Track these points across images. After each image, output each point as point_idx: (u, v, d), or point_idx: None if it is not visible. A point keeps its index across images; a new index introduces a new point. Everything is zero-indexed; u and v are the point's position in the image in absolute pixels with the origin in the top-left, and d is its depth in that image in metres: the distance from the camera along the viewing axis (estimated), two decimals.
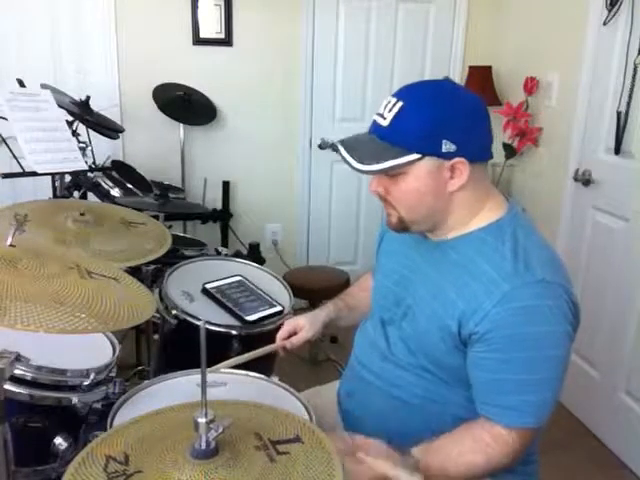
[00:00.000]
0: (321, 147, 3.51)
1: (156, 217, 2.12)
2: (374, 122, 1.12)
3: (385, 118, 1.09)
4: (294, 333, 1.46)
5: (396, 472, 1.06)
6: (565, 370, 1.10)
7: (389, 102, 1.10)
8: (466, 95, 1.13)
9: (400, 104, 1.08)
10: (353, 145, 1.11)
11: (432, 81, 1.17)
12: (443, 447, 1.11)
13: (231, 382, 1.38)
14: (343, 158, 1.09)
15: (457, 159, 1.07)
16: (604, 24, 2.46)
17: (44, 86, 2.39)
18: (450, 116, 1.07)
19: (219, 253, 2.42)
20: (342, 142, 1.12)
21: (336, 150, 1.12)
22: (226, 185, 3.44)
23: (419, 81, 1.15)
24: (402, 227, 1.18)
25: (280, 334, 1.47)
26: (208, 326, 1.54)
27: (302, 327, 1.45)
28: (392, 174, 1.10)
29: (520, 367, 1.06)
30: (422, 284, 1.20)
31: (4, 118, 1.97)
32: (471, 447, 1.10)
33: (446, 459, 1.10)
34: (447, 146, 1.06)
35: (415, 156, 1.06)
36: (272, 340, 1.84)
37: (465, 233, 1.15)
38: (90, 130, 2.64)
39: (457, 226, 1.16)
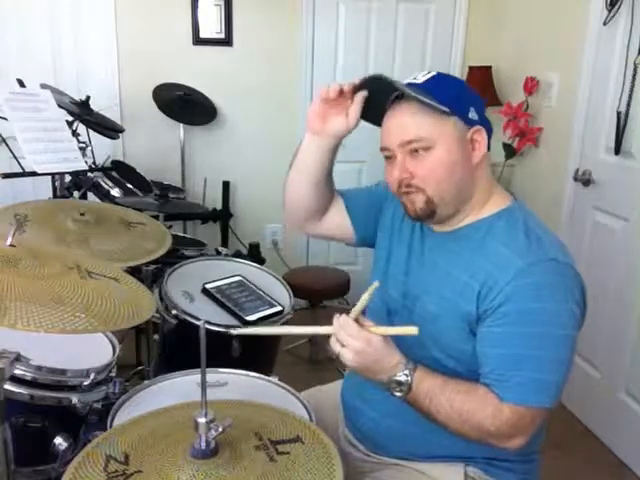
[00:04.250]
0: None
1: (156, 217, 2.13)
2: (408, 82, 1.14)
3: (419, 79, 1.14)
4: None
5: (391, 330, 1.11)
6: (571, 352, 1.09)
7: (420, 73, 1.16)
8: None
9: (433, 73, 1.15)
10: (389, 80, 1.13)
11: None
12: (444, 376, 1.10)
13: (231, 382, 1.38)
14: (390, 82, 1.11)
15: (477, 127, 1.12)
16: (604, 24, 2.46)
17: (44, 86, 2.39)
18: (472, 91, 1.18)
19: (219, 253, 2.42)
20: (385, 76, 1.13)
21: (368, 82, 1.15)
22: (226, 185, 3.44)
23: None
24: (429, 210, 1.15)
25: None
26: (208, 326, 1.54)
27: None
28: (423, 147, 1.10)
29: (526, 342, 1.06)
30: (431, 273, 1.20)
31: (4, 118, 1.98)
32: (467, 392, 1.08)
33: (442, 384, 1.09)
34: (472, 114, 1.12)
35: (446, 109, 1.09)
36: (272, 340, 1.85)
37: (475, 220, 1.17)
38: (90, 130, 2.64)
39: (472, 211, 1.17)
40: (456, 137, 1.11)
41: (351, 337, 1.07)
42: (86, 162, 2.18)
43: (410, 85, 1.13)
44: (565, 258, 1.11)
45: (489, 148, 1.16)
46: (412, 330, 1.06)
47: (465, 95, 1.15)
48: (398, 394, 1.09)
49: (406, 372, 1.08)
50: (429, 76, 1.14)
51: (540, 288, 1.06)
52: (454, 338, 1.15)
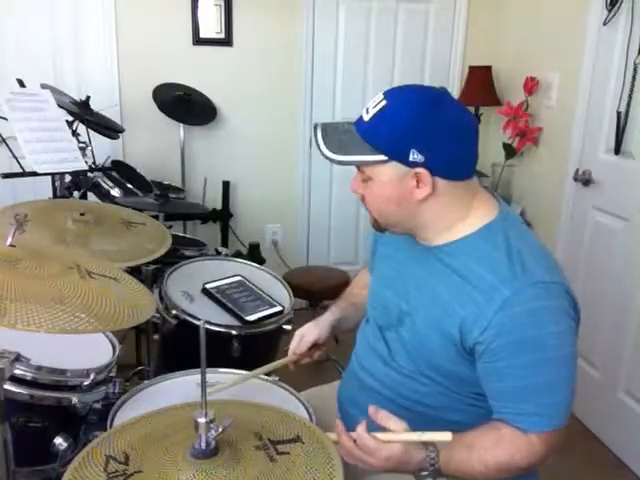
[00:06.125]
0: None
1: (156, 217, 2.13)
2: (361, 115, 1.12)
3: (368, 113, 1.09)
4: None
5: (424, 437, 1.03)
6: (575, 368, 1.09)
7: (377, 98, 1.10)
8: (454, 111, 1.09)
9: (384, 103, 1.08)
10: (330, 132, 1.12)
11: (424, 88, 1.14)
12: (467, 439, 1.08)
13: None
14: (316, 142, 1.10)
15: (419, 170, 1.06)
16: (604, 24, 2.46)
17: (44, 86, 2.38)
18: (426, 127, 1.05)
19: (219, 253, 2.42)
20: (322, 125, 1.13)
21: (315, 132, 1.13)
22: (226, 185, 3.44)
23: (413, 85, 1.14)
24: (379, 228, 1.21)
25: (291, 348, 1.44)
26: (208, 326, 1.54)
27: (307, 332, 1.43)
28: (364, 178, 1.12)
29: (530, 371, 1.05)
30: (417, 289, 1.18)
31: (4, 118, 1.97)
32: (495, 444, 1.08)
33: (469, 452, 1.07)
34: (414, 155, 1.05)
35: (381, 157, 1.07)
36: (272, 340, 1.85)
37: (456, 239, 1.14)
38: (90, 130, 2.64)
39: (439, 233, 1.14)
40: (391, 178, 1.08)
41: (368, 455, 1.04)
42: (86, 162, 2.18)
43: (359, 121, 1.11)
44: (552, 276, 1.07)
45: (467, 175, 1.11)
46: (445, 436, 1.00)
47: (408, 136, 1.04)
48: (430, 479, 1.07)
49: (432, 462, 1.05)
50: (377, 109, 1.07)
51: (531, 315, 1.04)
52: (442, 358, 1.14)
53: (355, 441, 1.06)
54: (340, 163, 1.10)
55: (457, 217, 1.13)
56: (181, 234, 3.15)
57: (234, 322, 1.70)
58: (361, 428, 1.06)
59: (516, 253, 1.08)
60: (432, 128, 1.05)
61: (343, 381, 1.42)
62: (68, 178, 2.46)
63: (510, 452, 1.07)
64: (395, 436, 1.04)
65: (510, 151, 3.08)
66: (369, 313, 1.35)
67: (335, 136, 1.11)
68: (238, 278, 1.86)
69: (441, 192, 1.09)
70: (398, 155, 1.06)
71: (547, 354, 1.05)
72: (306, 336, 1.42)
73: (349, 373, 1.39)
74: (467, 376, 1.13)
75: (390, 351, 1.24)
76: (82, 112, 2.54)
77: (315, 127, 1.13)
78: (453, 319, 1.10)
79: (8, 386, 1.19)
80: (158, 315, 1.74)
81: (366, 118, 1.09)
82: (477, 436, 1.09)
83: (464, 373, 1.13)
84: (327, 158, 1.09)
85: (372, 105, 1.09)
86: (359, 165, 1.11)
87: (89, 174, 2.48)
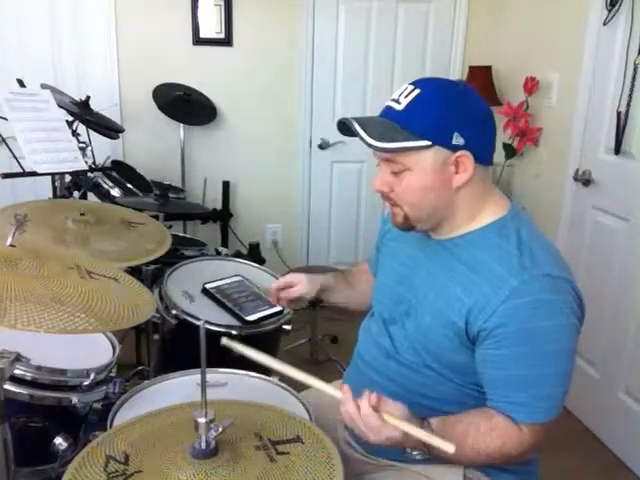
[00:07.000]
0: (321, 147, 3.52)
1: (156, 217, 2.13)
2: (387, 107, 1.13)
3: (400, 103, 1.09)
4: (290, 287, 1.46)
5: (429, 439, 1.02)
6: (573, 364, 1.10)
7: (405, 89, 1.11)
8: (479, 99, 1.14)
9: (417, 91, 1.09)
10: (366, 122, 1.11)
11: (448, 79, 1.19)
12: (460, 423, 1.10)
13: (231, 382, 1.38)
14: (357, 133, 1.09)
15: (463, 152, 1.08)
16: (604, 24, 2.46)
17: (44, 86, 2.39)
18: (464, 111, 1.09)
19: (219, 253, 2.42)
20: (355, 118, 1.12)
21: (345, 125, 1.12)
22: (226, 185, 3.44)
23: (438, 77, 1.18)
24: (407, 225, 1.18)
25: (276, 284, 1.47)
26: (208, 326, 1.54)
27: (299, 282, 1.45)
28: (397, 171, 1.11)
29: (529, 362, 1.06)
30: (425, 282, 1.20)
31: (4, 118, 1.97)
32: (487, 429, 1.09)
33: (462, 435, 1.08)
34: (457, 139, 1.07)
35: (425, 143, 1.07)
36: (272, 340, 1.85)
37: (468, 231, 1.16)
38: (90, 130, 2.64)
39: (461, 224, 1.16)
40: (433, 164, 1.09)
41: (369, 430, 1.04)
42: (86, 162, 2.18)
43: (389, 112, 1.11)
44: (560, 272, 1.08)
45: (490, 162, 1.14)
46: (448, 447, 0.97)
47: (450, 119, 1.07)
48: (419, 457, 1.10)
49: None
50: (411, 97, 1.08)
51: (536, 307, 1.05)
52: (446, 348, 1.15)
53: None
54: (386, 150, 1.09)
55: (479, 207, 1.15)
56: (181, 234, 3.15)
57: (234, 322, 1.70)
58: (367, 402, 1.05)
59: (527, 247, 1.10)
60: (469, 112, 1.09)
61: (345, 379, 1.42)
62: (68, 178, 2.46)
63: (502, 439, 1.09)
64: (401, 424, 1.03)
65: (510, 151, 3.08)
66: (374, 307, 1.36)
67: (371, 127, 1.09)
68: (238, 278, 1.86)
69: (476, 178, 1.11)
70: (442, 139, 1.07)
71: (546, 347, 1.06)
72: (297, 287, 1.46)
73: (351, 370, 1.39)
74: (470, 367, 1.14)
75: (394, 344, 1.25)
76: (82, 112, 2.54)
77: (346, 121, 1.11)
78: (459, 310, 1.11)
79: (8, 386, 1.19)
80: (158, 315, 1.74)
81: (399, 108, 1.09)
82: (471, 422, 1.11)
83: (467, 364, 1.14)
84: (371, 147, 1.08)
85: (403, 95, 1.10)
86: (399, 153, 1.09)
87: (89, 174, 2.48)
